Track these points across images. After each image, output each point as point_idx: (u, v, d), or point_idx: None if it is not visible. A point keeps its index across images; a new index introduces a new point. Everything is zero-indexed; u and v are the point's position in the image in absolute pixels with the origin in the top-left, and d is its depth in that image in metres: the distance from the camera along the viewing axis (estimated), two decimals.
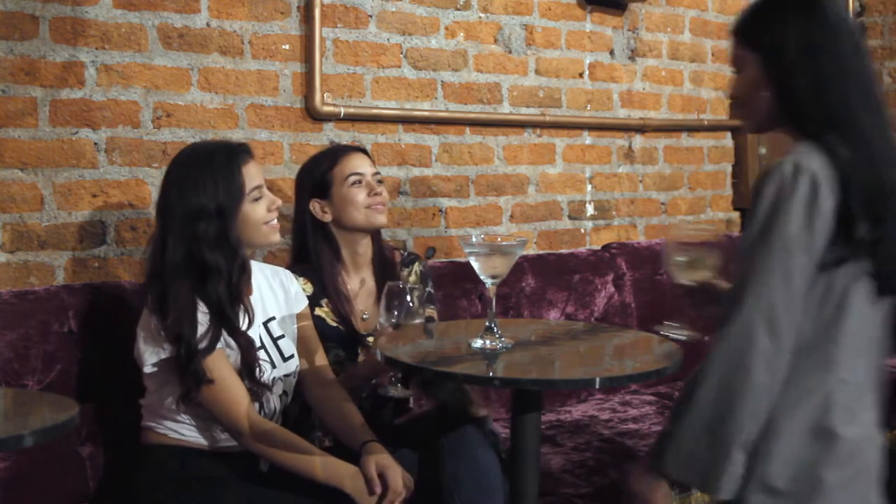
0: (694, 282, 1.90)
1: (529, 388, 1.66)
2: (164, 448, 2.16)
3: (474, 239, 1.77)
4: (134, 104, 2.64)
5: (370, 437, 2.12)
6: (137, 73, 2.64)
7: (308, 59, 2.95)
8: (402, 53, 3.19)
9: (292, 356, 2.27)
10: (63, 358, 2.31)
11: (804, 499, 1.68)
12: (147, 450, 2.19)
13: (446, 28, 3.30)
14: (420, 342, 2.00)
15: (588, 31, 3.73)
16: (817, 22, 1.75)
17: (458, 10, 3.33)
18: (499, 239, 1.85)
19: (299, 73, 2.95)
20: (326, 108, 2.98)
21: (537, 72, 3.57)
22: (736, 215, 4.37)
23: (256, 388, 2.15)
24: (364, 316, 2.48)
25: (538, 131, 3.60)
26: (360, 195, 2.46)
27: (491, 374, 1.72)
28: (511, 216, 3.54)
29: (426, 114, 3.24)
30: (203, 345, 2.06)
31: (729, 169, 4.33)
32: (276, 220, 2.22)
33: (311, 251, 2.48)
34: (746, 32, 1.82)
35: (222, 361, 2.10)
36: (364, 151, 2.57)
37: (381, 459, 2.05)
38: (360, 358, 2.43)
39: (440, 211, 3.32)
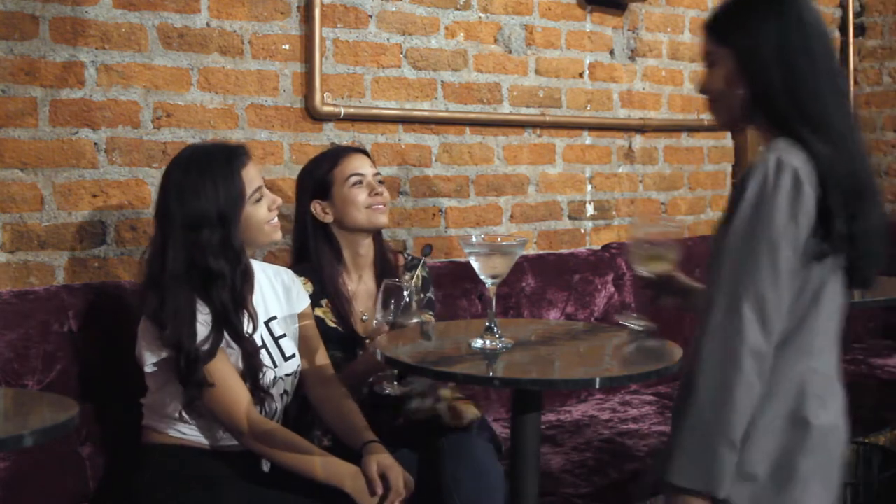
0: (654, 273, 1.92)
1: (529, 388, 1.66)
2: (165, 447, 2.16)
3: (474, 239, 1.77)
4: (134, 104, 2.64)
5: (371, 438, 2.12)
6: (137, 73, 2.64)
7: (308, 59, 2.95)
8: (402, 53, 3.19)
9: (293, 355, 2.27)
10: (63, 358, 2.31)
11: (781, 486, 1.71)
12: (148, 449, 2.19)
13: (446, 28, 3.30)
14: (420, 342, 2.00)
15: (588, 31, 3.73)
16: (791, 20, 1.78)
17: (458, 10, 3.33)
18: (499, 239, 1.85)
19: (299, 73, 2.95)
20: (326, 108, 2.98)
21: (537, 72, 3.57)
22: None
23: (260, 394, 2.15)
24: (363, 317, 2.48)
25: (538, 131, 3.60)
26: (362, 195, 2.47)
27: (491, 374, 1.72)
28: (511, 216, 3.54)
29: (426, 114, 3.24)
30: (204, 350, 2.07)
31: (729, 169, 4.34)
32: (276, 219, 2.22)
33: (312, 252, 2.48)
34: (720, 29, 1.84)
35: (223, 364, 2.10)
36: (365, 152, 2.58)
37: (383, 460, 2.05)
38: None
39: (440, 211, 3.32)
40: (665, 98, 4.02)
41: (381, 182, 2.52)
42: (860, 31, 4.80)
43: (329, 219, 2.48)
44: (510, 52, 3.49)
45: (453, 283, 3.03)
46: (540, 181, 3.61)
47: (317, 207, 2.48)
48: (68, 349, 2.33)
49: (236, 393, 2.10)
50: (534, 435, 1.71)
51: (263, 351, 2.20)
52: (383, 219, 2.50)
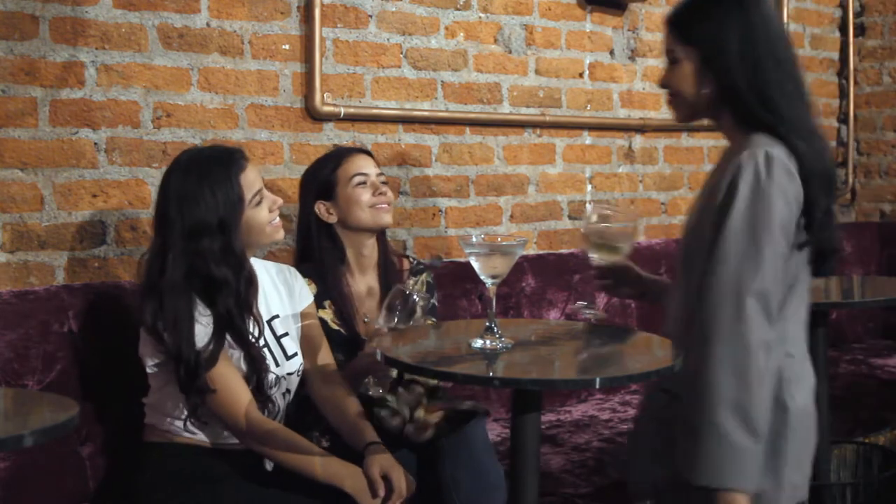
0: (608, 262, 1.93)
1: (529, 388, 1.66)
2: (167, 446, 2.16)
3: (474, 239, 1.77)
4: (134, 104, 2.64)
5: (374, 439, 2.12)
6: (137, 73, 2.64)
7: (308, 59, 2.95)
8: (402, 53, 3.19)
9: (296, 354, 2.27)
10: (63, 358, 2.31)
11: (775, 469, 1.77)
12: (149, 447, 2.19)
13: (446, 28, 3.30)
14: (420, 342, 2.00)
15: (588, 31, 3.73)
16: (755, 20, 1.82)
17: (458, 10, 3.33)
18: (499, 239, 1.85)
19: (299, 73, 2.95)
20: (326, 108, 2.98)
21: (537, 72, 3.57)
22: None
23: (263, 399, 2.15)
24: (366, 319, 2.48)
25: (538, 131, 3.60)
26: (365, 195, 2.47)
27: (491, 374, 1.72)
28: (511, 216, 3.54)
29: (426, 114, 3.24)
30: (205, 357, 2.07)
31: None
32: (278, 219, 2.22)
33: (315, 252, 2.48)
34: (683, 27, 1.87)
35: (224, 368, 2.10)
36: (368, 153, 2.58)
37: (385, 461, 2.05)
38: None
39: (440, 211, 3.32)
40: (665, 98, 4.02)
41: (384, 182, 2.52)
42: (860, 31, 4.80)
43: (333, 219, 2.48)
44: (510, 52, 3.49)
45: (453, 283, 3.03)
46: (540, 181, 3.61)
47: (321, 208, 2.48)
48: (68, 349, 2.33)
49: (238, 394, 2.10)
50: (534, 435, 1.71)
51: (266, 350, 2.20)
52: (387, 218, 2.50)
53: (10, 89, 2.45)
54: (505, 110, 3.48)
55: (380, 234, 2.54)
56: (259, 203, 2.17)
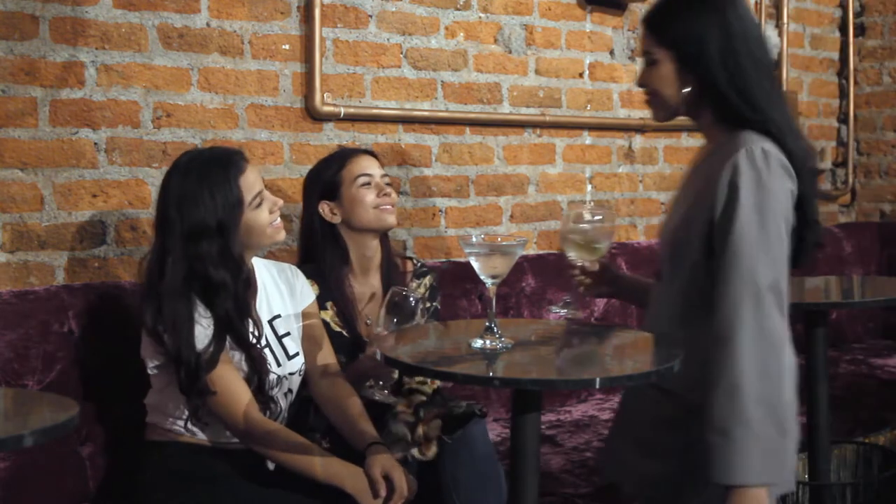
0: (586, 261, 1.93)
1: (529, 388, 1.66)
2: (168, 445, 2.16)
3: (474, 239, 1.76)
4: (134, 104, 2.64)
5: (375, 439, 2.12)
6: (137, 73, 2.64)
7: (308, 59, 2.95)
8: (402, 53, 3.19)
9: (297, 354, 2.27)
10: (63, 358, 2.31)
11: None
12: (150, 446, 2.19)
13: (446, 28, 3.30)
14: (420, 342, 2.00)
15: (588, 31, 3.73)
16: (731, 18, 1.83)
17: (458, 10, 3.33)
18: (499, 239, 1.85)
19: (299, 73, 2.95)
20: (326, 108, 2.98)
21: (537, 72, 3.57)
22: None
23: (265, 399, 2.15)
24: (368, 321, 2.47)
25: (538, 131, 3.60)
26: (370, 196, 2.46)
27: (491, 374, 1.72)
28: (511, 216, 3.54)
29: (426, 114, 3.24)
30: (205, 359, 2.07)
31: None
32: (279, 219, 2.22)
33: (319, 253, 2.48)
34: (661, 29, 1.88)
35: (225, 370, 2.10)
36: (373, 154, 2.57)
37: (386, 461, 2.05)
38: None
39: (440, 211, 3.32)
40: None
41: (388, 184, 2.52)
42: (860, 31, 4.80)
43: (337, 219, 2.48)
44: (510, 52, 3.49)
45: (453, 283, 3.03)
46: (540, 181, 3.61)
47: (324, 208, 2.48)
48: (68, 349, 2.33)
49: (238, 395, 2.10)
50: (534, 435, 1.70)
51: (267, 350, 2.20)
52: (391, 219, 2.50)
53: (10, 89, 2.45)
54: (505, 110, 3.48)
55: (383, 235, 2.53)
56: (259, 205, 2.17)
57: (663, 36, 1.86)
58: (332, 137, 3.02)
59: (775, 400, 1.70)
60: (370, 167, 2.50)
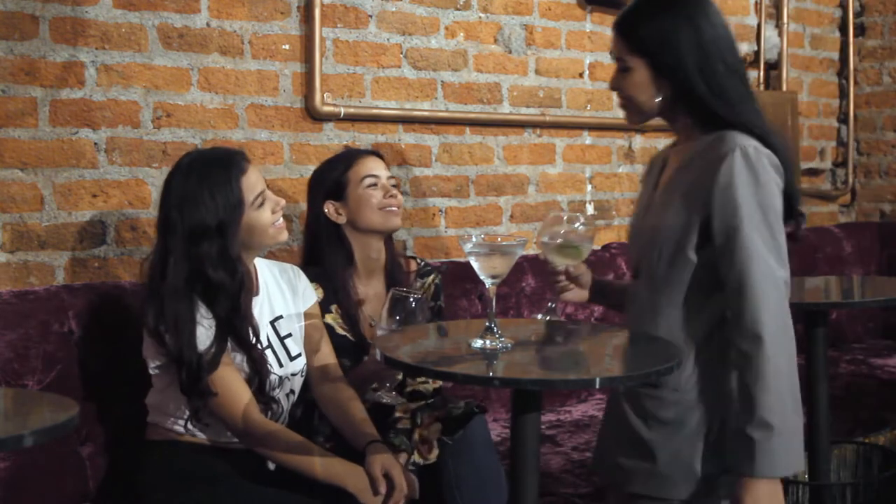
0: (569, 266, 1.94)
1: (529, 388, 1.66)
2: (169, 444, 2.17)
3: (474, 239, 1.77)
4: (134, 104, 2.64)
5: (375, 437, 2.12)
6: (137, 73, 2.64)
7: (308, 59, 2.95)
8: (402, 53, 3.19)
9: (299, 355, 2.27)
10: (63, 358, 2.31)
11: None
12: (151, 446, 2.19)
13: (446, 28, 3.30)
14: (420, 342, 2.00)
15: (588, 31, 3.73)
16: (703, 24, 1.85)
17: (458, 10, 3.33)
18: (499, 239, 1.85)
19: (299, 73, 2.95)
20: (326, 108, 2.98)
21: (537, 72, 3.57)
22: None
23: (266, 400, 2.15)
24: (372, 323, 2.47)
25: (538, 131, 3.60)
26: (376, 197, 2.46)
27: (491, 374, 1.72)
28: (511, 216, 3.54)
29: (426, 114, 3.24)
30: (207, 360, 2.07)
31: None
32: (281, 220, 2.22)
33: (323, 254, 2.47)
34: (633, 37, 1.89)
35: (226, 371, 2.10)
36: (379, 155, 2.57)
37: (386, 459, 2.05)
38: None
39: (440, 211, 3.32)
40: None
41: (394, 185, 2.52)
42: (860, 31, 4.80)
43: (342, 220, 2.47)
44: (510, 52, 3.49)
45: (453, 283, 3.03)
46: (540, 181, 3.61)
47: (330, 208, 2.47)
48: (68, 349, 2.33)
49: (239, 396, 2.10)
50: (534, 435, 1.70)
51: (269, 351, 2.21)
52: (397, 221, 2.49)
53: (10, 89, 2.45)
54: (505, 110, 3.48)
55: (387, 237, 2.53)
56: (262, 204, 2.17)
57: (636, 43, 1.88)
58: (332, 137, 3.02)
59: (796, 390, 1.76)
60: (376, 168, 2.50)
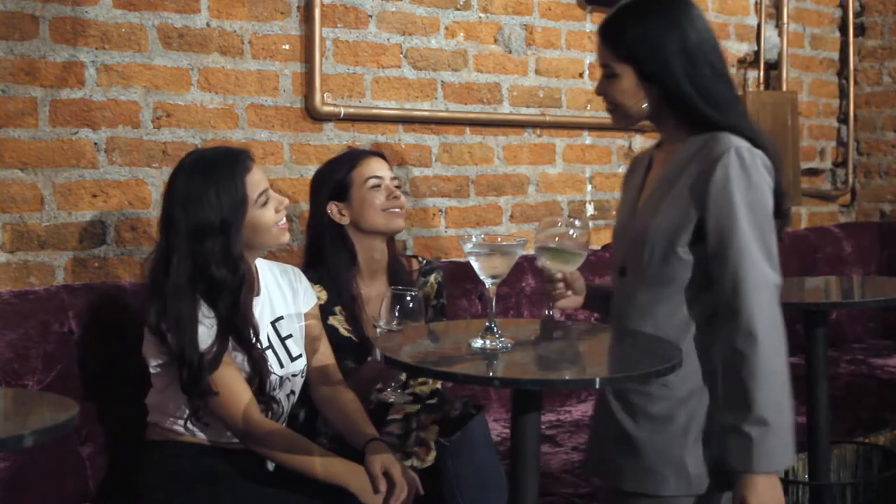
0: (560, 272, 1.93)
1: (529, 388, 1.66)
2: (169, 444, 2.17)
3: (474, 239, 1.76)
4: (134, 104, 2.64)
5: (374, 435, 2.12)
6: (137, 73, 2.64)
7: (308, 59, 2.95)
8: (402, 53, 3.19)
9: (300, 356, 2.27)
10: (63, 358, 2.31)
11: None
12: (151, 446, 2.19)
13: (446, 28, 3.30)
14: (420, 342, 2.00)
15: (588, 31, 3.73)
16: (688, 29, 1.87)
17: (458, 10, 3.33)
18: (499, 239, 1.85)
19: (299, 73, 2.95)
20: (326, 108, 2.98)
21: (537, 72, 3.57)
22: None
23: (266, 400, 2.15)
24: (375, 323, 2.47)
25: (538, 131, 3.60)
26: (380, 198, 2.46)
27: (491, 374, 1.72)
28: (511, 216, 3.54)
29: (426, 114, 3.24)
30: (208, 359, 2.07)
31: None
32: (284, 220, 2.22)
33: (326, 254, 2.46)
34: (619, 44, 1.90)
35: (227, 370, 2.10)
36: (382, 156, 2.57)
37: (386, 458, 2.05)
38: None
39: (440, 211, 3.32)
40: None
41: (398, 187, 2.51)
42: (860, 31, 4.80)
43: (345, 221, 2.47)
44: (510, 52, 3.49)
45: (453, 283, 3.03)
46: (540, 181, 3.61)
47: (333, 209, 2.47)
48: (68, 349, 2.33)
49: (239, 396, 2.10)
50: (534, 435, 1.70)
51: (270, 352, 2.20)
52: (400, 222, 2.49)
53: (10, 89, 2.45)
54: (505, 110, 3.48)
55: (389, 238, 2.53)
56: (265, 203, 2.17)
57: (622, 50, 1.89)
58: (332, 137, 3.02)
59: (788, 387, 1.80)
60: (380, 169, 2.50)
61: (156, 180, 2.67)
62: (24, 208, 2.48)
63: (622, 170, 3.89)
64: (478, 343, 1.75)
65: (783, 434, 1.77)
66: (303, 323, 2.31)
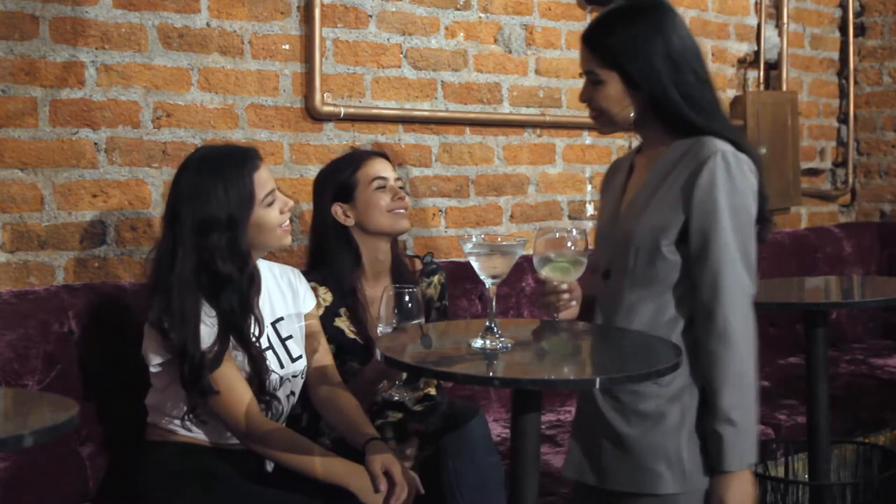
0: (559, 280, 1.93)
1: (529, 388, 1.66)
2: (168, 445, 2.17)
3: (474, 239, 1.77)
4: (134, 104, 2.64)
5: (374, 435, 2.12)
6: (137, 73, 2.64)
7: (308, 59, 2.95)
8: (402, 53, 3.19)
9: (300, 356, 2.27)
10: (63, 358, 2.31)
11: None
12: (151, 446, 2.19)
13: (446, 28, 3.30)
14: (420, 342, 2.00)
15: None
16: (672, 36, 1.89)
17: (458, 10, 3.33)
18: (499, 239, 1.85)
19: (299, 73, 2.95)
20: (326, 108, 2.98)
21: (537, 72, 3.57)
22: None
23: (266, 397, 2.15)
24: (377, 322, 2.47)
25: (538, 131, 3.60)
26: (385, 199, 2.46)
27: (491, 374, 1.72)
28: (511, 216, 3.54)
29: (426, 114, 3.24)
30: (209, 358, 2.06)
31: None
32: (288, 222, 2.22)
33: (330, 256, 2.46)
34: (605, 51, 1.92)
35: (228, 369, 2.10)
36: (386, 156, 2.56)
37: (386, 457, 2.05)
38: None
39: (440, 211, 3.32)
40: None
41: (402, 187, 2.51)
42: (860, 31, 4.80)
43: (350, 222, 2.46)
44: (510, 52, 3.49)
45: (453, 283, 3.03)
46: (540, 181, 3.61)
47: (338, 210, 2.46)
48: (68, 349, 2.33)
49: (240, 396, 2.10)
50: (534, 435, 1.71)
51: (270, 352, 2.20)
52: (405, 223, 2.49)
53: (10, 89, 2.45)
54: (505, 110, 3.48)
55: (393, 239, 2.53)
56: (271, 203, 2.17)
57: (608, 56, 1.91)
58: (332, 137, 3.02)
59: (756, 387, 1.85)
60: (385, 170, 2.49)
61: (156, 180, 2.67)
62: (24, 208, 2.48)
63: None
64: (478, 343, 1.75)
65: (749, 434, 1.82)
66: (303, 323, 2.31)
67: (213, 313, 2.11)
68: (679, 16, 1.95)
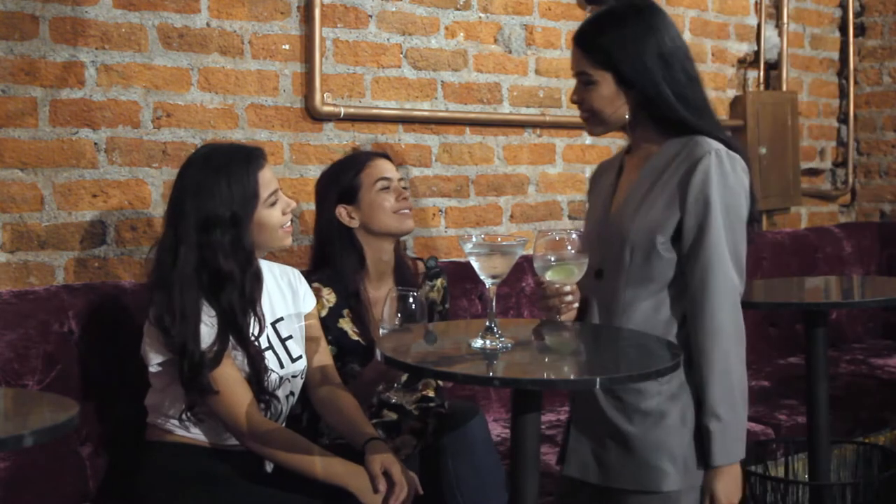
0: (559, 283, 1.94)
1: (529, 388, 1.66)
2: (168, 445, 2.16)
3: (474, 239, 1.77)
4: (134, 104, 2.64)
5: (373, 435, 2.12)
6: (137, 73, 2.64)
7: (308, 59, 2.95)
8: (402, 53, 3.19)
9: (300, 357, 2.27)
10: (63, 358, 2.31)
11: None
12: (150, 447, 2.19)
13: (446, 28, 3.30)
14: (420, 342, 2.00)
15: None
16: (664, 37, 1.91)
17: (458, 10, 3.33)
18: (499, 239, 1.85)
19: (299, 73, 2.95)
20: (326, 108, 2.98)
21: (537, 72, 3.57)
22: None
23: (265, 397, 2.15)
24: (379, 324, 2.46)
25: (538, 131, 3.60)
26: (389, 200, 2.45)
27: (491, 374, 1.72)
28: (511, 216, 3.54)
29: (426, 114, 3.24)
30: (209, 357, 2.06)
31: None
32: (289, 223, 2.22)
33: (334, 257, 2.45)
34: (598, 52, 1.93)
35: (228, 369, 2.10)
36: (388, 157, 2.56)
37: (386, 458, 2.05)
38: None
39: (440, 211, 3.32)
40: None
41: (405, 188, 2.51)
42: (860, 31, 4.80)
43: (355, 223, 2.46)
44: (510, 52, 3.49)
45: (453, 283, 3.03)
46: (540, 181, 3.61)
47: (342, 212, 2.46)
48: (68, 349, 2.33)
49: (239, 396, 2.10)
50: (534, 435, 1.71)
51: (270, 352, 2.20)
52: (410, 223, 2.48)
53: (10, 89, 2.45)
54: (505, 110, 3.48)
55: (397, 240, 2.52)
56: (274, 203, 2.17)
57: (600, 58, 1.92)
58: (332, 137, 3.02)
59: (744, 384, 1.88)
60: (388, 171, 2.49)
61: (156, 180, 2.67)
62: (24, 208, 2.48)
63: None
64: (478, 343, 1.75)
65: (736, 430, 1.85)
66: (303, 324, 2.31)
67: (213, 313, 2.11)
68: (668, 17, 1.96)
